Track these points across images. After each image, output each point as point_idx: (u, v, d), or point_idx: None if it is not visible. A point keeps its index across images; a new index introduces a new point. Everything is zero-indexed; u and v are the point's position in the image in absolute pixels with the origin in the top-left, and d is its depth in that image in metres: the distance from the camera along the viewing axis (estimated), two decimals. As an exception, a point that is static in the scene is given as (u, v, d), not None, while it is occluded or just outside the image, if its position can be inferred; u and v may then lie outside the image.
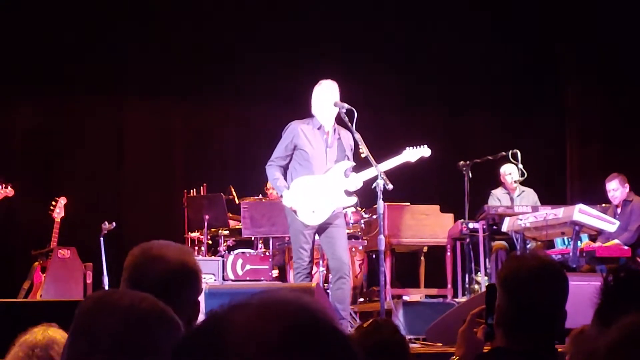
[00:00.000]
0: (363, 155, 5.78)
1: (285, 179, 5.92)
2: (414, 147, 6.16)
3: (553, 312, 2.38)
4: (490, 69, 10.01)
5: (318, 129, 5.87)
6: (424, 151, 6.22)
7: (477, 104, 10.18)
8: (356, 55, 9.72)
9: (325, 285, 7.24)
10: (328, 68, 6.97)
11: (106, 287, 7.21)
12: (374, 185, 5.72)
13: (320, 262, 7.26)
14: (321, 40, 9.65)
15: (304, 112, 6.09)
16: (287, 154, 5.87)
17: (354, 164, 5.97)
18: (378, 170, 5.71)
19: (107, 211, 8.59)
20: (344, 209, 6.34)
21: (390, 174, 5.83)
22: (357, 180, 5.87)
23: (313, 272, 6.07)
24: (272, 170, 5.90)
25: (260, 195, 8.44)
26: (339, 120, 5.99)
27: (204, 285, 7.01)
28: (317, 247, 6.79)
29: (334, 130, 5.93)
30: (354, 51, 9.73)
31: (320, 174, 5.82)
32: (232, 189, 8.57)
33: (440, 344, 5.75)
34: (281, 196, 5.88)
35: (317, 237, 5.92)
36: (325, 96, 5.86)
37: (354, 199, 5.99)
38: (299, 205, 5.74)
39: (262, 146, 8.20)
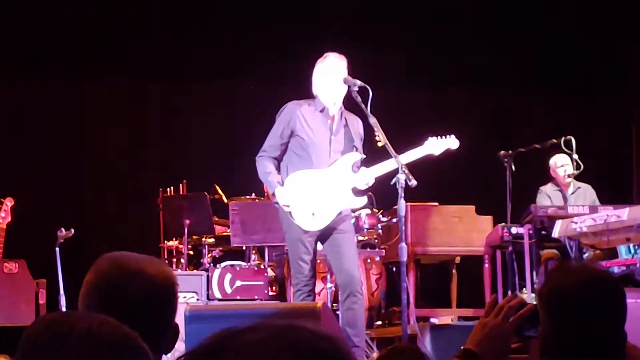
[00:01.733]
0: (380, 144, 5.73)
1: (279, 173, 5.90)
2: (439, 136, 6.12)
3: (609, 337, 2.40)
4: (536, 38, 10.06)
5: (321, 111, 5.84)
6: (451, 142, 6.14)
7: (521, 81, 10.18)
8: (366, 22, 9.77)
9: (335, 305, 7.29)
10: (332, 39, 7.03)
11: (63, 309, 7.26)
12: (394, 181, 5.64)
13: (328, 276, 7.30)
14: (322, 6, 9.76)
15: (305, 93, 6.05)
16: (282, 142, 5.83)
17: (364, 156, 5.91)
18: (398, 162, 5.63)
19: (63, 215, 8.64)
20: (352, 211, 6.36)
21: (413, 167, 5.75)
22: (368, 176, 5.83)
23: (318, 289, 6.11)
24: (263, 163, 5.86)
25: (254, 194, 8.48)
26: (346, 103, 5.95)
27: (184, 307, 7.11)
28: (323, 258, 6.84)
29: (341, 114, 5.91)
30: (363, 17, 9.79)
31: (322, 168, 5.79)
32: (218, 187, 8.60)
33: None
34: (273, 194, 5.85)
35: (320, 245, 5.92)
36: (331, 72, 5.83)
37: (363, 200, 5.93)
38: (296, 207, 5.72)
39: (255, 134, 8.20)
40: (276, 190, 5.80)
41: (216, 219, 8.46)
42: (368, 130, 5.92)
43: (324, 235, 5.83)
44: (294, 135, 5.84)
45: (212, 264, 8.18)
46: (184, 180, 8.75)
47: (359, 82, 5.83)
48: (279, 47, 9.62)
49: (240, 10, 9.79)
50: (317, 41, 7.14)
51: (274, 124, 5.94)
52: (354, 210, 6.41)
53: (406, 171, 5.65)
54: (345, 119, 5.93)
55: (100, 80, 9.90)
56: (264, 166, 5.89)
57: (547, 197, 8.28)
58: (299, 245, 5.78)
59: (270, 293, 8.04)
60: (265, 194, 8.45)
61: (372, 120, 5.79)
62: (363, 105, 5.80)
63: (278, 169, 5.92)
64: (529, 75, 10.13)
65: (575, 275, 2.47)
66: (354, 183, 5.87)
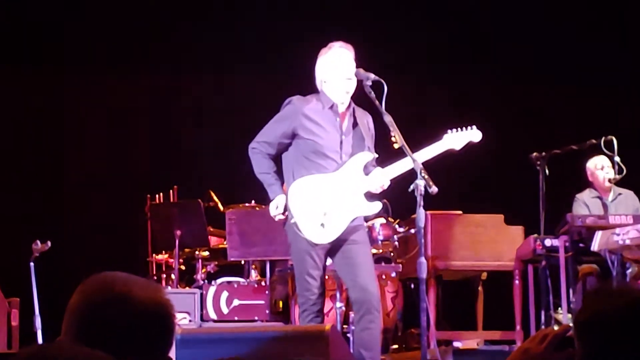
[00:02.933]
0: (396, 146, 5.74)
1: (283, 177, 5.88)
2: (458, 129, 6.09)
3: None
4: (572, 22, 10.10)
5: (330, 108, 5.85)
6: (473, 134, 6.10)
7: (555, 71, 10.20)
8: (375, 3, 9.84)
9: (345, 327, 7.30)
10: (337, 27, 7.05)
11: (39, 332, 7.27)
12: (412, 187, 5.62)
13: (338, 294, 7.31)
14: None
15: (309, 87, 6.04)
16: (279, 141, 5.82)
17: (376, 155, 5.90)
18: (417, 166, 5.65)
19: (39, 225, 8.69)
20: (366, 220, 6.36)
21: (434, 171, 5.76)
22: (383, 178, 5.81)
23: (326, 309, 6.11)
24: (259, 159, 5.85)
25: (253, 201, 8.47)
26: (355, 98, 5.93)
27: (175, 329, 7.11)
28: (332, 274, 6.85)
29: (352, 112, 5.91)
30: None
31: (330, 172, 5.79)
32: (213, 194, 8.62)
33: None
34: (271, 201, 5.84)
35: (329, 260, 5.88)
36: (338, 64, 5.83)
37: (377, 205, 5.90)
38: (303, 217, 5.71)
39: (256, 133, 8.24)
40: (276, 199, 5.80)
41: (211, 230, 8.49)
42: (383, 129, 5.89)
43: (335, 248, 5.80)
44: (297, 137, 5.82)
45: (206, 281, 8.21)
46: (175, 186, 8.78)
47: (372, 76, 5.81)
48: (279, 39, 9.65)
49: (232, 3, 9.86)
50: (322, 31, 7.15)
51: (275, 119, 5.91)
52: (367, 219, 6.39)
53: (426, 176, 5.63)
54: (354, 115, 5.93)
55: (80, 78, 9.94)
56: (261, 163, 5.87)
57: (584, 205, 8.27)
58: (306, 259, 5.75)
59: (272, 314, 8.06)
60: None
61: (388, 118, 5.77)
62: (377, 102, 5.79)
63: (278, 173, 5.91)
64: (566, 68, 10.13)
65: (617, 298, 2.44)
66: (367, 187, 5.84)
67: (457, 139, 6.08)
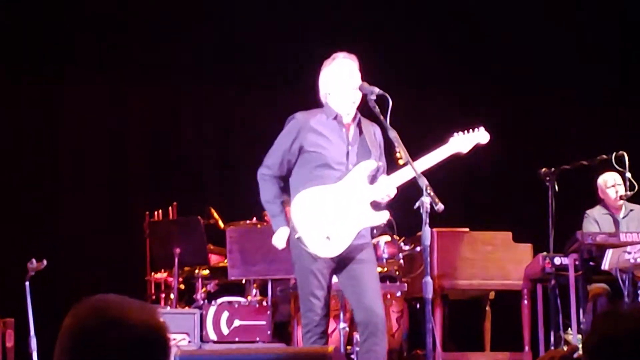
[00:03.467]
0: (401, 162, 5.73)
1: (289, 196, 5.84)
2: (465, 131, 6.06)
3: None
4: (584, 32, 10.08)
5: (333, 119, 5.83)
6: (480, 136, 6.08)
7: (565, 83, 10.22)
8: (377, 12, 9.82)
9: (349, 348, 7.25)
10: (341, 37, 7.04)
11: (34, 353, 7.23)
12: (417, 204, 5.62)
13: (341, 314, 7.28)
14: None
15: (314, 102, 6.01)
16: (289, 158, 5.80)
17: (380, 163, 5.85)
18: (423, 182, 5.63)
19: (34, 244, 8.65)
20: (373, 233, 6.32)
21: (440, 187, 5.77)
22: (389, 186, 5.77)
23: (330, 329, 6.06)
24: (268, 187, 5.83)
25: (255, 218, 8.47)
26: (362, 110, 5.91)
27: (173, 350, 7.05)
28: (335, 294, 6.81)
29: (357, 123, 5.90)
30: (375, 8, 9.85)
31: (333, 183, 5.75)
32: (214, 211, 8.60)
33: None
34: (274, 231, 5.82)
35: (335, 278, 5.83)
36: (343, 75, 5.81)
37: (385, 215, 5.87)
38: (307, 231, 5.66)
39: (258, 149, 8.16)
40: (279, 231, 5.79)
41: (211, 248, 8.47)
42: (387, 144, 5.89)
43: (340, 266, 5.76)
44: (303, 151, 5.79)
45: (206, 300, 8.17)
46: (174, 202, 8.75)
47: (377, 90, 5.77)
48: (281, 52, 9.64)
49: (236, 10, 9.85)
50: (325, 42, 7.13)
51: (279, 137, 5.89)
52: (372, 236, 6.33)
53: (432, 193, 5.59)
54: (360, 126, 5.90)
55: (75, 88, 9.92)
56: (269, 191, 5.84)
57: (595, 222, 8.25)
58: (310, 278, 5.70)
59: (274, 335, 8.02)
60: (266, 218, 8.44)
61: (392, 134, 5.74)
62: (382, 117, 5.76)
63: (285, 190, 5.88)
64: (576, 81, 10.11)
65: (628, 321, 2.43)
66: (373, 195, 5.80)
67: (464, 141, 6.05)
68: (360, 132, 5.88)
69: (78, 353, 2.16)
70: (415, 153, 5.75)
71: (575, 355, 2.47)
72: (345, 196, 5.76)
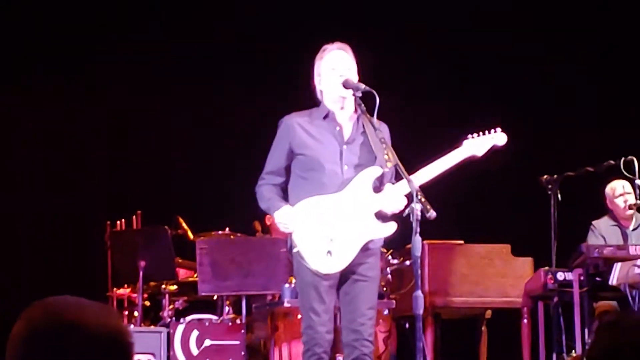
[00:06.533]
0: (389, 165, 5.70)
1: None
2: (480, 133, 6.06)
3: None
4: (589, 31, 10.15)
5: (324, 118, 5.83)
6: (497, 138, 6.08)
7: (569, 85, 10.28)
8: (376, 10, 9.86)
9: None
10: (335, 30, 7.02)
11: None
12: (407, 212, 5.59)
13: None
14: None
15: (292, 103, 6.05)
16: (284, 164, 5.82)
17: (387, 169, 5.79)
18: (412, 187, 5.60)
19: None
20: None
21: (433, 195, 5.77)
22: (395, 195, 5.74)
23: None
24: (262, 192, 5.85)
25: (228, 229, 8.46)
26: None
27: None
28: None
29: (356, 121, 5.87)
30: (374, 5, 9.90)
31: (334, 191, 5.72)
32: (182, 220, 8.60)
33: None
34: (274, 217, 5.77)
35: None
36: (331, 67, 5.81)
37: (392, 227, 5.82)
38: (306, 245, 5.66)
39: (230, 152, 8.27)
40: (276, 213, 5.72)
41: (179, 261, 8.47)
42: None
43: (343, 280, 5.74)
44: (294, 155, 5.80)
45: (174, 318, 8.17)
46: (138, 211, 8.74)
47: (362, 86, 5.77)
48: (253, 53, 9.67)
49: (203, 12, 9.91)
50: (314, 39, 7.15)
51: (272, 145, 5.91)
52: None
53: (423, 199, 5.57)
54: (363, 125, 5.89)
55: (33, 92, 9.93)
56: (262, 195, 5.84)
57: (600, 237, 8.28)
58: (310, 292, 5.69)
59: (249, 356, 8.02)
60: (256, 230, 8.43)
61: (381, 133, 5.77)
62: (368, 116, 5.77)
63: (285, 198, 5.85)
64: (578, 80, 10.17)
65: (633, 331, 2.44)
66: (379, 206, 5.77)
67: (479, 144, 6.04)
68: (363, 131, 5.85)
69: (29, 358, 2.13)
70: (408, 157, 5.75)
71: None
72: (348, 207, 5.73)
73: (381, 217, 5.80)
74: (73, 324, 2.15)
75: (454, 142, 6.01)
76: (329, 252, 5.67)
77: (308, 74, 5.95)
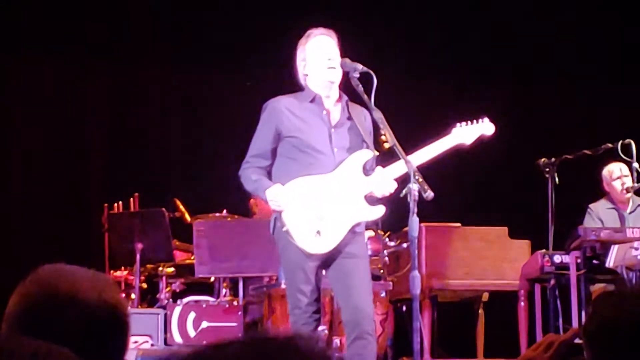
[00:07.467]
0: (387, 145, 5.73)
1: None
2: (468, 122, 6.13)
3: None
4: (584, 12, 10.15)
5: (311, 101, 5.83)
6: (484, 127, 6.17)
7: (565, 67, 10.27)
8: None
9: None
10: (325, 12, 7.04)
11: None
12: (404, 192, 5.63)
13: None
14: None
15: (285, 87, 6.06)
16: (270, 147, 5.81)
17: (376, 153, 5.88)
18: (410, 167, 5.63)
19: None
20: (367, 228, 6.31)
21: (429, 177, 5.81)
22: (385, 179, 5.78)
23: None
24: (247, 174, 5.83)
25: (225, 211, 8.48)
26: (345, 90, 5.92)
27: (135, 352, 7.05)
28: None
29: (344, 105, 5.90)
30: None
31: (325, 173, 5.75)
32: (179, 202, 8.61)
33: None
34: (265, 200, 5.78)
35: (324, 272, 5.84)
36: (318, 53, 5.82)
37: (381, 210, 5.87)
38: (295, 224, 5.68)
39: (226, 135, 8.27)
40: (268, 191, 5.71)
41: (177, 243, 8.48)
42: (373, 126, 5.92)
43: (329, 260, 5.77)
44: (282, 137, 5.80)
45: (171, 300, 8.18)
46: (136, 194, 8.74)
47: (360, 67, 5.81)
48: (252, 37, 9.66)
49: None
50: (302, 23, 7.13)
51: (257, 128, 5.91)
52: (367, 227, 6.33)
53: (420, 180, 5.60)
54: (348, 110, 5.90)
55: (30, 71, 9.91)
56: (248, 177, 5.83)
57: (597, 220, 8.28)
58: (297, 272, 5.72)
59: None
60: (253, 212, 8.42)
61: (377, 114, 5.79)
62: (365, 97, 5.79)
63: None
64: (575, 62, 10.17)
65: (629, 303, 2.45)
66: (369, 189, 5.81)
67: (467, 132, 6.12)
68: (349, 116, 5.89)
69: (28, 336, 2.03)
70: (406, 143, 5.76)
71: (575, 340, 2.49)
72: (338, 188, 5.77)
73: (371, 200, 5.83)
74: (68, 296, 2.15)
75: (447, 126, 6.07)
76: (318, 231, 5.70)
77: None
